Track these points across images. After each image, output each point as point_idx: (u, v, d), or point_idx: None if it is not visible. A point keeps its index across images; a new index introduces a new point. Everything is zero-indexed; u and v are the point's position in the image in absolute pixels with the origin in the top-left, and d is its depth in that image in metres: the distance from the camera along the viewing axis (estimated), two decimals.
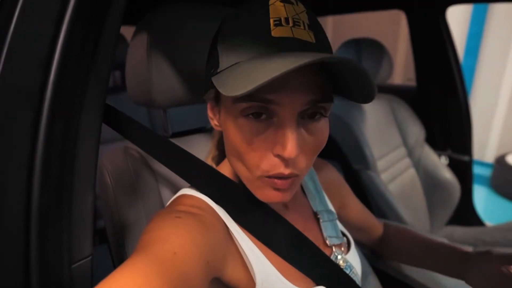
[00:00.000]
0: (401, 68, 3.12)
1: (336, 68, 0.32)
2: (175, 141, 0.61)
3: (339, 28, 3.44)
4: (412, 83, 1.55)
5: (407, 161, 1.39)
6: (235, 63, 0.33)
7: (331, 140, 1.27)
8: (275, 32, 0.32)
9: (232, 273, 0.39)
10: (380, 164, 1.25)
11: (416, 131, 1.41)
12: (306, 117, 0.36)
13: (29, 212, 0.30)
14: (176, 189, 0.57)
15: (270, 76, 0.26)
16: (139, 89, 0.56)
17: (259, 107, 0.34)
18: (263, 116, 0.35)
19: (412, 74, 1.51)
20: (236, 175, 0.47)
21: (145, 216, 0.51)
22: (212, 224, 0.39)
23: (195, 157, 0.45)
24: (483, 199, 2.69)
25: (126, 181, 0.53)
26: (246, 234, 0.43)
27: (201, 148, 0.62)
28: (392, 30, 3.02)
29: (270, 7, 0.33)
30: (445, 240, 0.65)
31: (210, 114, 0.44)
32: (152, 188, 0.54)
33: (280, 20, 0.33)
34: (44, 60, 0.30)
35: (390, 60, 1.30)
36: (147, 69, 0.52)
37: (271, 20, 0.33)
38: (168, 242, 0.31)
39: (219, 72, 0.35)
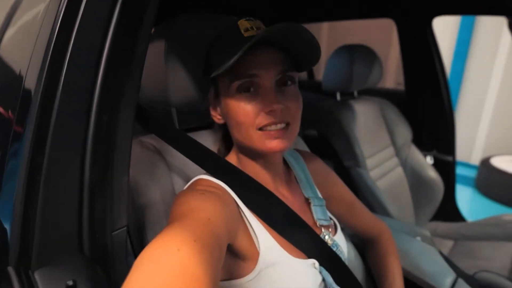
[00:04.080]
0: (393, 73, 3.23)
1: (288, 43, 0.49)
2: None
3: (334, 35, 3.55)
4: (402, 87, 1.65)
5: (395, 160, 1.49)
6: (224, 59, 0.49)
7: (324, 139, 1.36)
8: (246, 34, 0.49)
9: (241, 241, 0.48)
10: (370, 162, 1.34)
11: (404, 132, 1.51)
12: (281, 85, 0.52)
13: (82, 185, 0.37)
14: (186, 177, 0.65)
15: (242, 49, 0.44)
16: (156, 89, 0.64)
17: (248, 83, 0.50)
18: (252, 90, 0.50)
19: (402, 78, 1.61)
20: (241, 163, 0.58)
21: (160, 198, 0.59)
22: (227, 201, 0.48)
23: (209, 149, 0.53)
24: (468, 200, 2.81)
25: (142, 169, 0.60)
26: (252, 213, 0.51)
27: (205, 144, 0.70)
28: (385, 37, 3.13)
29: (239, 23, 0.51)
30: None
31: (212, 112, 0.59)
32: (165, 175, 0.62)
33: (247, 28, 0.50)
34: (94, 65, 0.38)
35: (380, 65, 1.39)
36: (164, 72, 0.60)
37: (242, 30, 0.50)
38: (203, 211, 0.40)
39: (215, 70, 0.50)
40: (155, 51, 0.62)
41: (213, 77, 0.54)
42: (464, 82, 3.15)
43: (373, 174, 1.34)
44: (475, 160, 3.15)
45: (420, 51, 1.43)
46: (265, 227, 0.51)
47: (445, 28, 3.01)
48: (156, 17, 0.64)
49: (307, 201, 0.63)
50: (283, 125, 0.51)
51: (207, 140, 0.71)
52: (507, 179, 2.63)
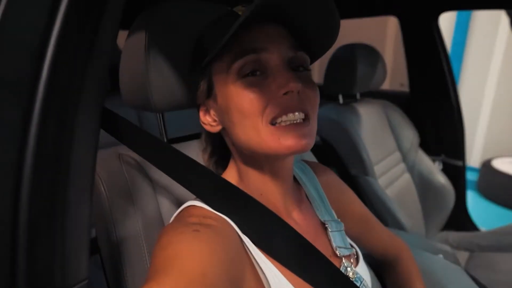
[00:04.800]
0: (389, 73, 3.16)
1: (295, 17, 0.38)
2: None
3: None
4: (405, 88, 1.56)
5: (402, 166, 1.39)
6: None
7: (327, 145, 1.25)
8: (241, 13, 0.41)
9: (248, 285, 0.36)
10: (377, 169, 1.24)
11: (410, 136, 1.42)
12: (294, 69, 0.40)
13: (16, 227, 0.25)
14: (176, 199, 0.53)
15: (244, 15, 0.32)
16: (136, 91, 0.52)
17: (253, 62, 0.38)
18: (258, 73, 0.39)
19: (400, 79, 1.53)
20: (244, 180, 0.46)
21: (143, 229, 0.47)
22: (228, 236, 0.37)
23: (200, 165, 0.41)
24: (470, 203, 2.74)
25: (121, 190, 0.48)
26: (258, 247, 0.40)
27: (199, 155, 0.58)
28: (379, 35, 3.06)
29: (235, 9, 0.42)
30: None
31: (203, 117, 0.45)
32: (150, 198, 0.50)
33: (243, 11, 0.41)
34: (36, 52, 0.26)
35: (384, 65, 1.30)
36: (145, 70, 0.49)
37: (239, 12, 0.41)
38: (195, 260, 0.29)
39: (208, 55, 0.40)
40: (135, 43, 0.50)
41: (205, 67, 0.42)
42: (460, 84, 3.10)
43: (380, 182, 1.23)
44: (475, 162, 3.10)
45: (425, 49, 1.35)
46: (274, 264, 0.40)
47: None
48: (134, 15, 0.54)
49: (323, 226, 0.51)
50: (302, 115, 0.39)
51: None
52: (510, 181, 2.57)
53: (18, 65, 0.26)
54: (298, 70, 0.41)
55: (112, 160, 0.51)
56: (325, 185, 0.58)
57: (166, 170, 0.42)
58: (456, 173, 1.44)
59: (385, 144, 1.33)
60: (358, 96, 1.36)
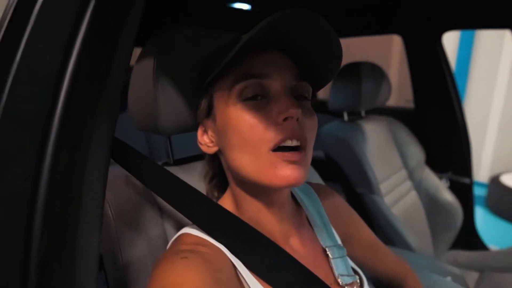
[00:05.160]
0: (395, 89, 3.18)
1: (299, 45, 0.40)
2: (177, 168, 0.58)
3: None
4: (410, 104, 1.56)
5: (408, 183, 1.38)
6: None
7: (332, 162, 1.25)
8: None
9: None
10: (383, 187, 1.23)
11: (416, 153, 1.41)
12: (295, 97, 0.41)
13: (28, 257, 0.26)
14: (181, 224, 0.53)
15: (248, 35, 0.34)
16: (144, 114, 0.53)
17: (254, 86, 0.39)
18: (259, 98, 0.39)
19: (406, 95, 1.53)
20: (240, 206, 0.45)
21: (149, 253, 0.47)
22: (220, 263, 0.37)
23: (198, 192, 0.42)
24: (479, 220, 2.68)
25: (128, 214, 0.49)
26: (252, 275, 0.39)
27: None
28: (384, 52, 3.09)
29: (243, 36, 0.41)
30: None
31: (200, 137, 0.46)
32: (156, 222, 0.51)
33: None
34: (52, 87, 0.28)
35: (389, 83, 1.31)
36: (153, 94, 0.50)
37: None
38: None
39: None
40: (143, 69, 0.52)
41: (207, 86, 0.43)
42: (467, 99, 3.09)
43: (387, 200, 1.22)
44: (483, 177, 3.05)
45: (429, 67, 1.36)
46: None
47: (444, 47, 2.98)
48: (144, 33, 0.56)
49: (324, 252, 0.51)
50: (298, 143, 0.39)
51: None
52: None
53: (34, 100, 0.27)
54: (300, 99, 0.42)
55: (120, 184, 0.51)
56: (330, 209, 0.57)
57: (167, 198, 0.43)
58: (463, 190, 1.42)
59: (391, 162, 1.33)
60: (363, 113, 1.36)
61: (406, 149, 1.39)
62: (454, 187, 1.43)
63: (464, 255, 1.34)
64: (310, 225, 0.53)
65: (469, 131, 1.42)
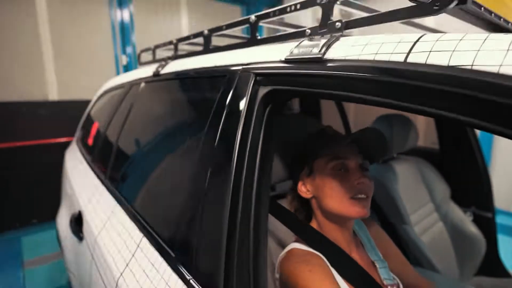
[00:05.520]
0: (422, 133, 3.39)
1: (363, 141, 0.75)
2: None
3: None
4: (436, 146, 1.80)
5: (435, 215, 1.60)
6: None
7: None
8: (331, 132, 0.80)
9: None
10: (412, 218, 1.46)
11: (441, 188, 1.63)
12: (361, 170, 0.73)
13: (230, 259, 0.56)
14: (278, 241, 0.84)
15: (346, 140, 0.76)
16: None
17: (340, 164, 0.72)
18: (342, 170, 0.72)
19: (431, 138, 1.77)
20: (322, 228, 0.76)
21: None
22: (327, 267, 0.66)
23: (300, 219, 0.73)
24: (503, 247, 2.69)
25: None
26: (337, 272, 0.69)
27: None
28: None
29: (323, 129, 0.81)
30: None
31: (301, 187, 0.77)
32: None
33: (331, 131, 0.80)
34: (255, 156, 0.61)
35: (416, 131, 1.57)
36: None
37: (329, 131, 0.80)
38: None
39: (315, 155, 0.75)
40: None
41: (310, 160, 0.75)
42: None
43: (416, 229, 1.45)
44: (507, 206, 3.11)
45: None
46: (348, 285, 0.68)
47: None
48: None
49: (373, 264, 0.79)
50: (365, 196, 0.70)
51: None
52: None
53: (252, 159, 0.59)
54: (364, 170, 0.73)
55: None
56: (373, 234, 0.87)
57: (285, 223, 0.74)
58: (486, 224, 1.61)
59: (419, 196, 1.57)
60: (395, 154, 1.62)
61: (433, 185, 1.62)
62: (478, 220, 1.63)
63: (489, 281, 1.52)
64: (362, 245, 0.82)
65: (502, 162, 1.58)
